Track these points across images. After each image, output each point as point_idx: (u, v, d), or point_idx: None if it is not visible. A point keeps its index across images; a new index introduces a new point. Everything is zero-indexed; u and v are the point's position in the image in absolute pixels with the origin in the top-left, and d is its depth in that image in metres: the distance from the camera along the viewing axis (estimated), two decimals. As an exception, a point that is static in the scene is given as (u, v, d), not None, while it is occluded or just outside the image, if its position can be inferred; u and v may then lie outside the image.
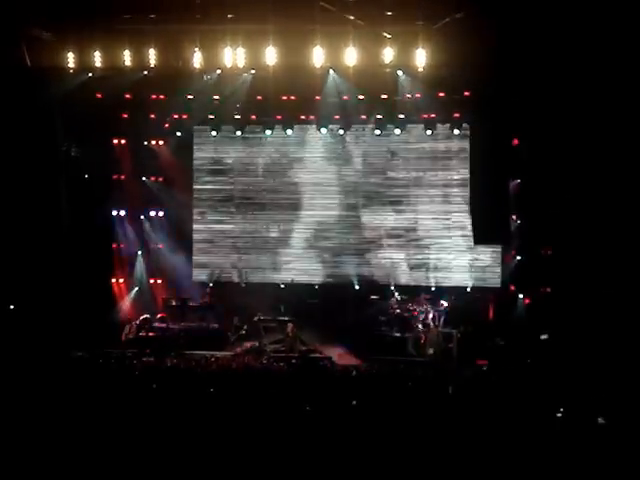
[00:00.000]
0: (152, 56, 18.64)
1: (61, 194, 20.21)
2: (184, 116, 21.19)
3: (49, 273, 19.58)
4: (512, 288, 20.02)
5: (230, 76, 19.28)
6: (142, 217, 22.31)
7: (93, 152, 21.12)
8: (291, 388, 13.15)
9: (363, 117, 20.95)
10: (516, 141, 19.01)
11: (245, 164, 22.41)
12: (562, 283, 18.10)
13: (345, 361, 18.28)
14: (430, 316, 19.33)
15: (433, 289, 20.92)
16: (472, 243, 19.98)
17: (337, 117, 20.87)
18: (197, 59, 18.45)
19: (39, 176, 19.72)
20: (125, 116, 21.23)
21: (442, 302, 19.73)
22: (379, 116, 20.72)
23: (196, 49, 18.36)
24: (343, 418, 11.07)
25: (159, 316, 20.87)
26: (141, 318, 20.36)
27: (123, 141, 21.81)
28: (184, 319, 20.90)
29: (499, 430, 10.50)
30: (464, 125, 20.44)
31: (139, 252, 22.25)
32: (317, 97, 20.01)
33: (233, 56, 18.33)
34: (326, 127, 21.17)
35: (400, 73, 18.79)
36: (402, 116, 20.49)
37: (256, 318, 20.08)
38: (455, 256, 21.24)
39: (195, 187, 22.50)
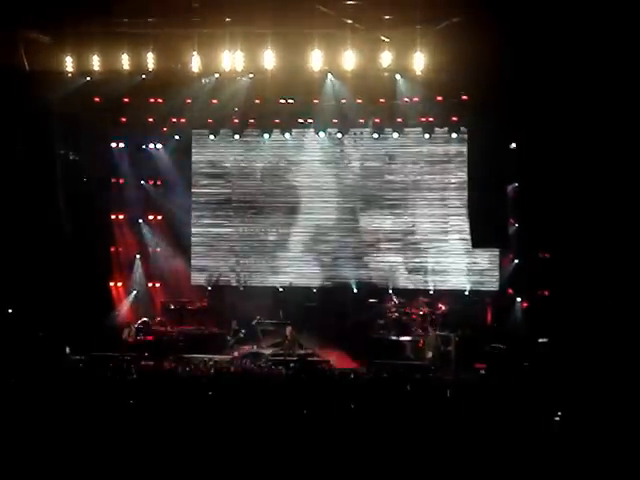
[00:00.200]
0: (150, 60, 18.65)
1: (59, 198, 20.19)
2: (182, 120, 21.20)
3: (48, 277, 19.56)
4: (510, 291, 20.04)
5: (228, 80, 19.29)
6: (140, 221, 22.32)
7: (91, 156, 21.11)
8: (289, 391, 13.15)
9: (361, 121, 20.98)
10: (514, 144, 19.04)
11: (243, 168, 22.43)
12: (560, 286, 18.10)
13: (343, 364, 18.29)
14: (428, 319, 19.37)
15: (431, 292, 20.94)
16: (470, 246, 20.01)
17: (335, 121, 20.90)
18: (195, 63, 18.45)
19: (37, 180, 19.71)
20: (123, 120, 21.21)
21: (440, 305, 19.77)
22: (377, 120, 20.77)
23: (194, 53, 18.36)
24: (341, 421, 11.06)
25: (158, 320, 20.88)
26: (140, 322, 20.36)
27: (121, 145, 21.80)
28: (182, 323, 20.92)
29: (497, 433, 10.50)
30: (462, 129, 20.48)
31: (137, 256, 22.26)
32: (315, 101, 20.04)
33: (231, 60, 18.33)
34: (324, 131, 21.24)
35: (398, 77, 18.81)
36: (400, 120, 20.53)
37: (254, 321, 20.11)
38: (453, 259, 21.26)
39: (193, 191, 22.53)
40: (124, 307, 21.83)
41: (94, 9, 17.02)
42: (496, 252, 20.71)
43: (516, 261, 19.89)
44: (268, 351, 19.31)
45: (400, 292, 20.87)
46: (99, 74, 19.06)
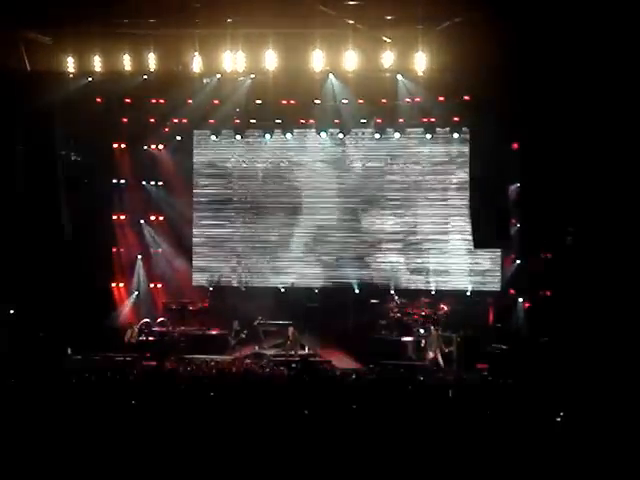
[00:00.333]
0: (152, 60, 18.68)
1: (61, 199, 20.19)
2: (184, 120, 21.18)
3: (49, 277, 19.56)
4: (512, 292, 20.01)
5: (230, 80, 19.30)
6: (142, 221, 22.30)
7: (93, 156, 21.12)
8: (291, 392, 13.13)
9: (363, 121, 20.94)
10: (516, 145, 19.02)
11: (245, 168, 22.41)
12: (562, 286, 18.08)
13: (345, 365, 18.27)
14: (430, 319, 19.35)
15: (433, 293, 20.93)
16: (472, 247, 20.01)
17: (337, 121, 20.87)
18: (197, 63, 18.47)
19: (39, 181, 19.73)
20: (125, 120, 21.23)
21: (442, 306, 19.76)
22: (379, 120, 20.74)
23: (196, 53, 18.38)
24: (342, 422, 11.04)
25: (159, 320, 20.87)
26: (141, 322, 20.36)
27: (123, 145, 21.80)
28: (184, 323, 20.91)
29: (499, 434, 10.48)
30: (464, 129, 20.47)
31: (139, 256, 22.24)
32: (317, 101, 20.03)
33: (233, 60, 18.35)
34: (326, 131, 21.21)
35: (400, 77, 18.80)
36: (402, 120, 20.51)
37: (256, 322, 20.09)
38: (455, 260, 21.24)
39: (195, 191, 22.51)
40: (125, 308, 21.82)
41: (95, 9, 17.01)
42: (498, 252, 20.67)
43: (518, 261, 19.86)
44: (270, 352, 19.30)
45: (402, 292, 20.87)
46: (100, 74, 19.11)
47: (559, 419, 11.12)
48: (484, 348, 18.28)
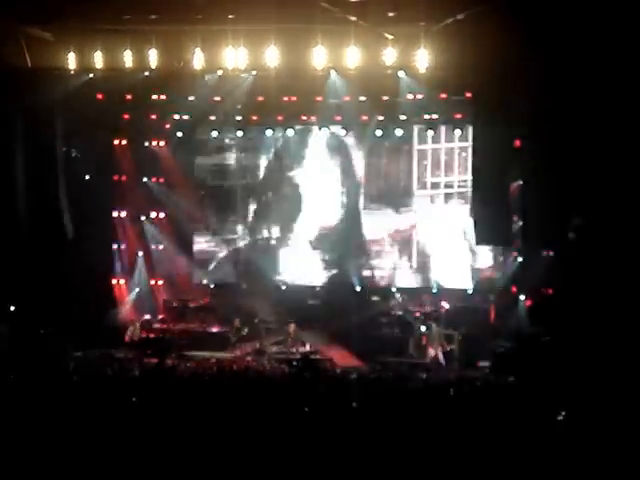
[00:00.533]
0: (153, 57, 18.67)
1: (61, 195, 20.16)
2: (185, 117, 21.16)
3: (50, 274, 19.54)
4: (514, 289, 19.96)
5: (231, 77, 19.27)
6: (143, 218, 22.26)
7: (94, 153, 21.09)
8: (291, 389, 13.12)
9: (365, 118, 20.90)
10: (518, 142, 18.96)
11: (246, 165, 22.37)
12: (564, 284, 18.04)
13: (346, 362, 18.23)
14: (431, 317, 19.34)
15: (434, 290, 20.90)
16: (474, 244, 19.96)
17: (338, 118, 20.84)
18: (198, 60, 18.46)
19: (39, 177, 19.70)
20: (126, 117, 21.21)
21: (443, 303, 19.74)
22: (380, 117, 20.71)
23: (197, 50, 18.37)
24: (343, 420, 11.02)
25: (160, 317, 20.85)
26: (142, 319, 20.33)
27: (124, 142, 21.74)
28: (185, 320, 20.89)
29: (500, 432, 10.46)
30: (466, 126, 20.41)
31: (140, 253, 22.19)
32: (318, 98, 19.99)
33: (234, 56, 18.33)
34: (327, 128, 21.16)
35: (402, 74, 18.76)
36: (404, 117, 20.47)
37: (257, 319, 20.07)
38: (456, 257, 21.18)
39: (196, 188, 22.45)
40: (126, 305, 21.77)
41: (96, 6, 16.97)
42: (500, 250, 20.64)
43: (520, 259, 19.83)
44: (271, 349, 19.27)
45: (403, 290, 20.83)
46: (102, 71, 19.11)
47: (561, 417, 11.10)
48: (485, 346, 18.25)
